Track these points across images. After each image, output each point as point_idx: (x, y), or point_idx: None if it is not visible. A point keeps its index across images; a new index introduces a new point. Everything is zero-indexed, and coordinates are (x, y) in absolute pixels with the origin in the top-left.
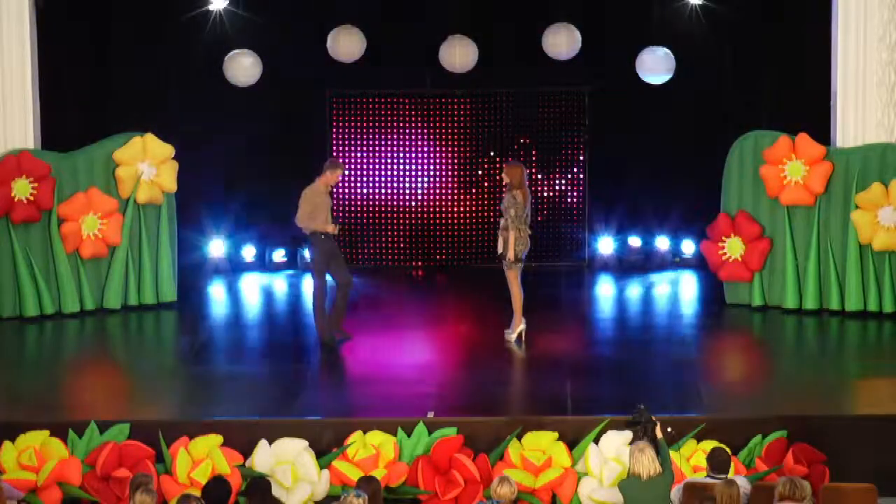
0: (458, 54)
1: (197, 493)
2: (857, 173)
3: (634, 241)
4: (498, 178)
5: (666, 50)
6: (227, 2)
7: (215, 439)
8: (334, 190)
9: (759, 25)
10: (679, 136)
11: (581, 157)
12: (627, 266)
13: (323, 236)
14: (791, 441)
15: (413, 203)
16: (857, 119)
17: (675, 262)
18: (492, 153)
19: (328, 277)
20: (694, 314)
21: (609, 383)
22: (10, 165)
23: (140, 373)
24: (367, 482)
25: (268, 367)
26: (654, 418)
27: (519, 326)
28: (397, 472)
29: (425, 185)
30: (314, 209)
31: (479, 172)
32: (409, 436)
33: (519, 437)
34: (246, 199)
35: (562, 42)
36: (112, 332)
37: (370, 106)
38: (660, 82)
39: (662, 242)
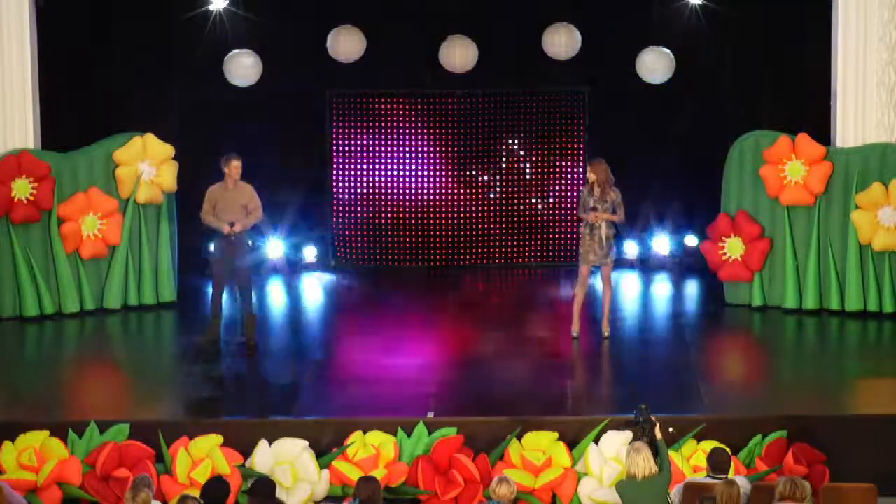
0: (458, 54)
1: (196, 493)
2: (857, 173)
3: (634, 242)
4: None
5: (666, 50)
6: (227, 2)
7: (215, 439)
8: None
9: (759, 25)
10: (679, 136)
11: (581, 157)
12: (627, 266)
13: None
14: (791, 441)
15: (412, 203)
16: (857, 119)
17: (674, 262)
18: (491, 153)
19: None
20: (694, 314)
21: (609, 383)
22: (10, 165)
23: (140, 373)
24: (366, 482)
25: (268, 367)
26: (653, 418)
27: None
28: (397, 472)
29: (425, 184)
30: (213, 206)
31: (478, 172)
32: (409, 436)
33: (519, 437)
34: None
35: (562, 42)
36: (112, 332)
37: (370, 106)
38: (660, 82)
39: (662, 242)
